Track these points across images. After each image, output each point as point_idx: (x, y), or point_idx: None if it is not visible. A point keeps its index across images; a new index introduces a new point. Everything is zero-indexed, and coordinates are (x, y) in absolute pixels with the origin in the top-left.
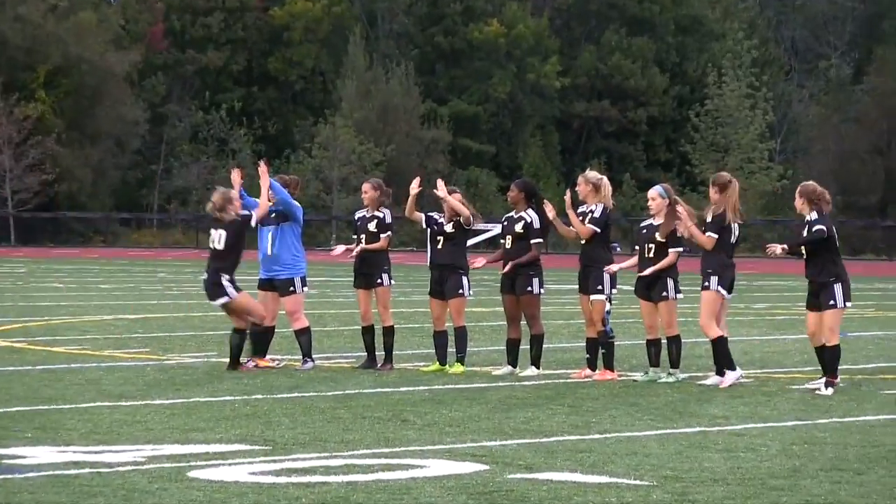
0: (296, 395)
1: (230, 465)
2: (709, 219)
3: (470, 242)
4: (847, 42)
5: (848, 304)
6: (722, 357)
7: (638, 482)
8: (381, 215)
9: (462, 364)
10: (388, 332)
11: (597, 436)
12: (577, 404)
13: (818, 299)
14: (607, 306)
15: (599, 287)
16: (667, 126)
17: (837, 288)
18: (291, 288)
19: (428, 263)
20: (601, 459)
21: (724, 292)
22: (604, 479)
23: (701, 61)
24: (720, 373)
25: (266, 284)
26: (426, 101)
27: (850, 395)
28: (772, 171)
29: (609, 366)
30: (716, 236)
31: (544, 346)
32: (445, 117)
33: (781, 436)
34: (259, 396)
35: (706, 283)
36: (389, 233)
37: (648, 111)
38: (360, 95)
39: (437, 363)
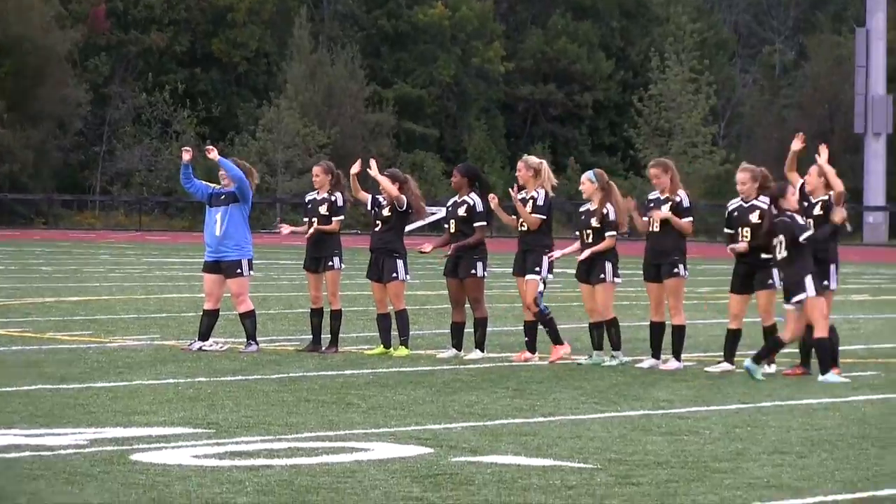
0: (240, 378)
1: (173, 448)
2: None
3: (414, 226)
4: (790, 27)
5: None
6: (678, 344)
7: (582, 465)
8: (332, 198)
9: (406, 347)
10: (336, 315)
11: (541, 419)
12: (522, 387)
13: (751, 280)
14: (540, 287)
15: (537, 269)
16: (611, 110)
17: (775, 269)
18: (238, 270)
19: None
20: (545, 442)
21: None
22: (548, 461)
23: (645, 45)
24: (678, 357)
25: (212, 266)
26: (371, 84)
27: (792, 379)
28: (715, 156)
29: (557, 341)
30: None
31: (489, 329)
32: (390, 100)
33: (724, 419)
34: (202, 379)
35: (675, 270)
36: (342, 216)
37: (593, 95)
38: (304, 78)
39: (382, 346)
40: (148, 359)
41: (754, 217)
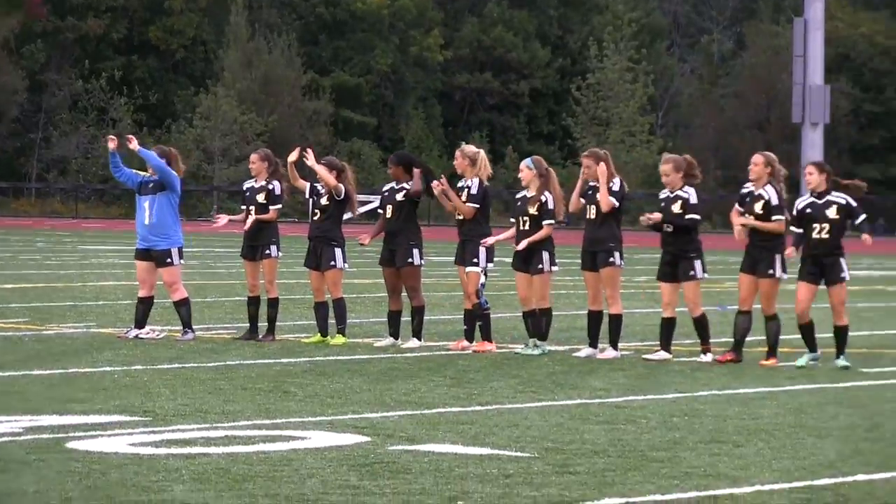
0: (176, 366)
1: (109, 436)
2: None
3: (351, 215)
4: (728, 17)
5: (706, 275)
6: (615, 333)
7: (519, 454)
8: (270, 187)
9: (343, 335)
10: (273, 303)
11: (478, 407)
12: (459, 376)
13: (675, 269)
14: (482, 279)
15: (475, 260)
16: (549, 99)
17: (697, 260)
18: (168, 259)
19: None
20: (483, 431)
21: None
22: (485, 450)
23: (583, 34)
24: (615, 346)
25: (143, 255)
26: (308, 73)
27: (728, 368)
28: (652, 145)
29: (487, 337)
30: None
31: (426, 318)
32: (327, 89)
33: (661, 408)
34: (139, 367)
35: (611, 259)
36: (279, 205)
37: (531, 84)
38: (242, 66)
39: (319, 334)
40: (84, 346)
41: (677, 207)
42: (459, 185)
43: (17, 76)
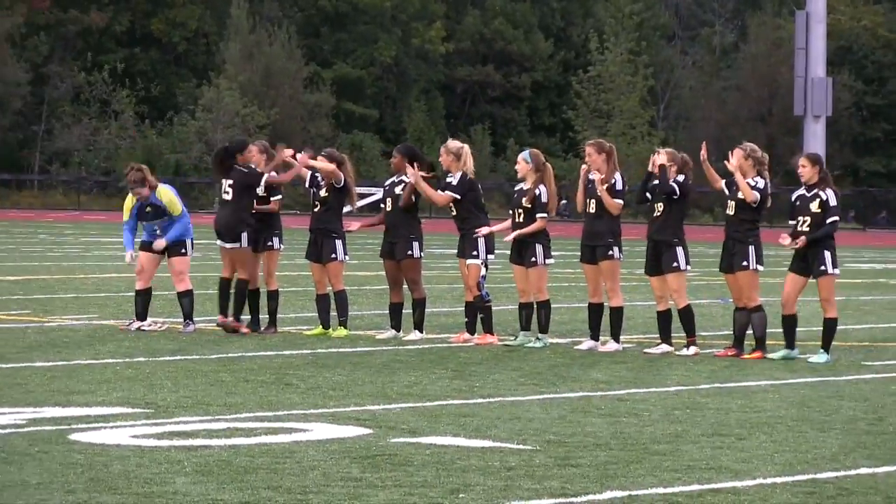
0: (178, 358)
1: (112, 428)
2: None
3: (351, 207)
4: (730, 10)
5: (689, 267)
6: (616, 326)
7: (521, 446)
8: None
9: (345, 327)
10: (273, 296)
11: (480, 400)
12: (461, 368)
13: (659, 262)
14: (482, 271)
15: (474, 252)
16: (551, 91)
17: (679, 251)
18: (183, 249)
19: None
20: (484, 424)
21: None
22: (487, 443)
23: (585, 26)
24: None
25: (149, 246)
26: (310, 65)
27: (731, 361)
28: (654, 138)
29: (488, 329)
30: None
31: (428, 310)
32: (329, 81)
33: (664, 401)
34: (141, 359)
35: (609, 253)
36: (279, 195)
37: (532, 76)
38: (243, 58)
39: (321, 327)
40: (86, 338)
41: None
42: (447, 180)
43: (20, 69)
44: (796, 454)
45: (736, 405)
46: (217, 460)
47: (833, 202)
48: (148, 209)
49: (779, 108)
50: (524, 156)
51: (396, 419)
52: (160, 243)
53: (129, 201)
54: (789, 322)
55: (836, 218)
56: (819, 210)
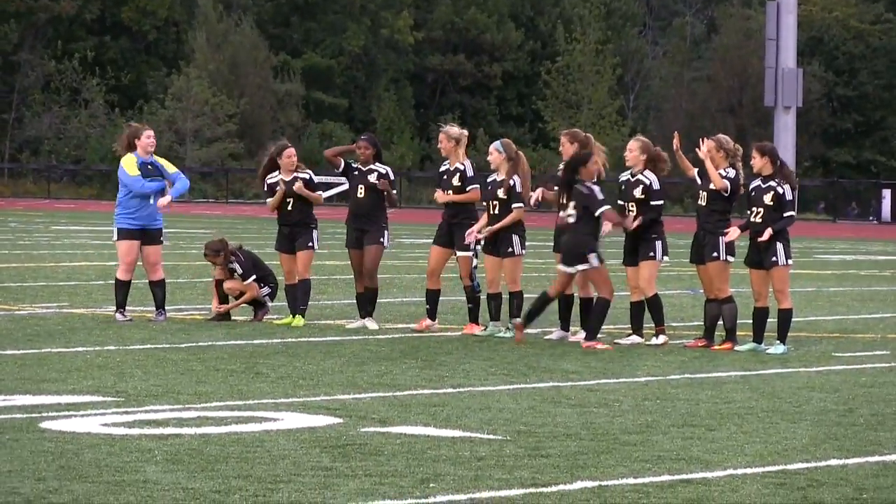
0: (149, 346)
1: (82, 416)
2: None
3: (324, 195)
4: (701, 0)
5: (666, 258)
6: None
7: (491, 436)
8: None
9: (303, 316)
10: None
11: (450, 390)
12: (431, 358)
13: (636, 253)
14: (474, 261)
15: (465, 243)
16: (520, 81)
17: (657, 242)
18: (162, 238)
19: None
20: (455, 413)
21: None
22: (457, 433)
23: (554, 16)
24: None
25: (136, 234)
26: (280, 54)
27: (701, 352)
28: (623, 128)
29: (474, 320)
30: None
31: (398, 299)
32: (298, 70)
33: (634, 391)
34: (111, 348)
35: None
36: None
37: (502, 66)
38: (211, 47)
39: (290, 316)
40: (57, 327)
41: (638, 192)
42: (444, 168)
43: None
44: (766, 445)
45: (706, 396)
46: (188, 449)
47: (789, 196)
48: (150, 167)
49: (749, 99)
50: (496, 146)
51: (367, 409)
52: (166, 200)
53: (131, 160)
54: (760, 315)
55: (793, 213)
56: (772, 203)
